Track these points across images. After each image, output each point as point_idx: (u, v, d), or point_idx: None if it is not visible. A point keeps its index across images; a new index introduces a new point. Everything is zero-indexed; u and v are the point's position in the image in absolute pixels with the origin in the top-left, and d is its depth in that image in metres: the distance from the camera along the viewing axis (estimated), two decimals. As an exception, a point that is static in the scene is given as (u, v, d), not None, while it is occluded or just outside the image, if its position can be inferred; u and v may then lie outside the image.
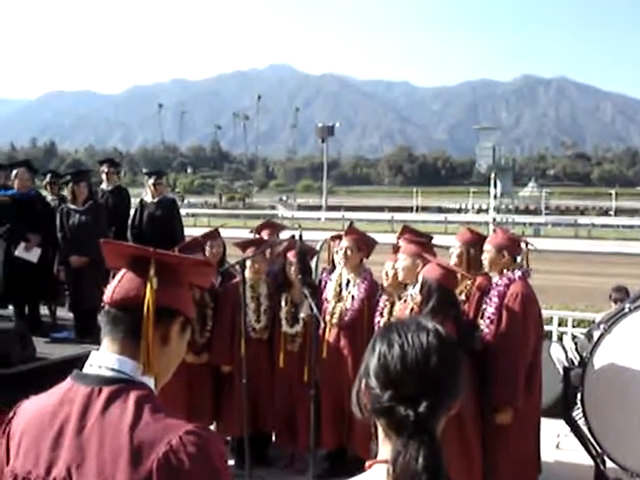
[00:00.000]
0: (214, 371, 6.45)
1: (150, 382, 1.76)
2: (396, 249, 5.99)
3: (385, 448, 1.53)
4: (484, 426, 5.09)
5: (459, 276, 5.23)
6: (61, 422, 1.67)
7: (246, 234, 7.71)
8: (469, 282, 5.52)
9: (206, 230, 7.19)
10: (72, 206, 8.10)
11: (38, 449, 1.67)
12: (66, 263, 8.13)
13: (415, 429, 1.45)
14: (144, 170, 10.48)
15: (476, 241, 5.65)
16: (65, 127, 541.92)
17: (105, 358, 1.74)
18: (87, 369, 1.75)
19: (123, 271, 1.82)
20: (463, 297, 5.47)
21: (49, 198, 9.24)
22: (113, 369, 1.72)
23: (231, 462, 6.30)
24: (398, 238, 6.10)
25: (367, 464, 1.56)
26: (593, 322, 7.56)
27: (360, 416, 1.58)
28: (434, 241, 6.15)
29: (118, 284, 1.80)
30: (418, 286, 5.03)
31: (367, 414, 1.56)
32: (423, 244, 5.73)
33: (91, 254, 7.41)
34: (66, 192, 8.59)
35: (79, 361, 1.80)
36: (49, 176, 9.77)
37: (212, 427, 6.42)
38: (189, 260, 1.96)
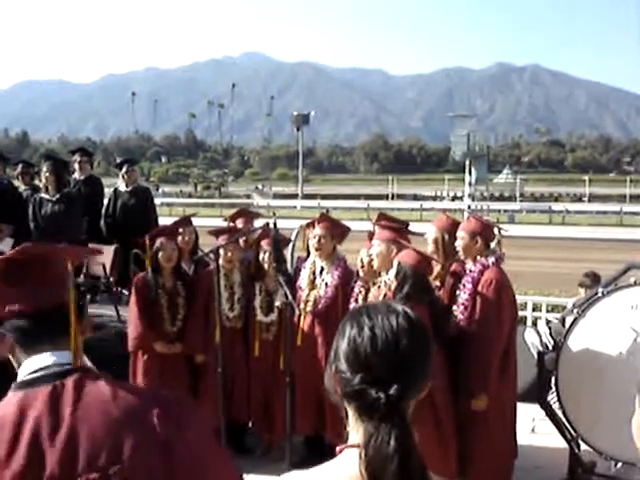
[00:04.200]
0: (188, 361, 6.41)
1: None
2: (371, 236, 5.98)
3: (356, 432, 1.52)
4: (459, 412, 5.11)
5: (433, 262, 5.24)
6: (32, 427, 1.57)
7: (222, 223, 7.66)
8: (441, 268, 5.53)
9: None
10: (45, 195, 8.02)
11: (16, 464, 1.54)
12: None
13: (386, 412, 1.45)
14: (116, 160, 10.43)
15: (452, 227, 5.64)
16: (37, 117, 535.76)
17: (45, 359, 1.69)
18: (31, 376, 1.67)
19: (14, 279, 1.73)
20: (437, 283, 5.48)
21: (21, 188, 9.13)
22: (61, 364, 1.68)
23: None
24: (374, 225, 6.09)
25: (338, 449, 1.56)
26: (566, 307, 7.62)
27: (334, 400, 1.57)
28: (409, 228, 6.14)
29: (24, 294, 1.71)
30: (393, 271, 5.02)
31: (338, 398, 1.55)
32: (397, 230, 5.72)
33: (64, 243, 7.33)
34: (38, 182, 8.50)
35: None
36: (21, 166, 9.62)
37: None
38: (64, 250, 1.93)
